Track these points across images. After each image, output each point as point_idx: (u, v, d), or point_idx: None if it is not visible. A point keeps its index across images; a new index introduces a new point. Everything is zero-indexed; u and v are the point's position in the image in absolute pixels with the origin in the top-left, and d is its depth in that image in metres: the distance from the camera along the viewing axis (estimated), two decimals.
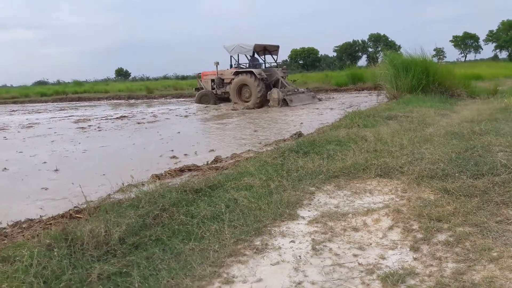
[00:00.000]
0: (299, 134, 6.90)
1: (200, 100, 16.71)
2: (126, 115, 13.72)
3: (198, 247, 2.28)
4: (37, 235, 2.72)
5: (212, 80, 16.46)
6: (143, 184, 4.06)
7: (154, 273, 2.03)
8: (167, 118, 12.76)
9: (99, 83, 39.69)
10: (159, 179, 4.43)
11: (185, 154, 6.34)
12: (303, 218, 2.78)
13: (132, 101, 23.34)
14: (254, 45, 15.26)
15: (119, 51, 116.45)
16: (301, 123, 9.49)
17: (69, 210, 3.39)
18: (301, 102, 14.74)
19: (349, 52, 65.73)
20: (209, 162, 5.42)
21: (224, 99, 16.33)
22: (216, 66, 16.08)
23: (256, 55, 16.48)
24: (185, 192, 3.28)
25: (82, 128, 10.57)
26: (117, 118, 12.78)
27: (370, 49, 67.33)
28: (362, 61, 63.39)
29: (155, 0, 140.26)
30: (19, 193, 4.71)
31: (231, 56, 16.05)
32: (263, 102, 14.61)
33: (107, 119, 12.67)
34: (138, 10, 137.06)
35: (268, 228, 2.57)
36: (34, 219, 3.52)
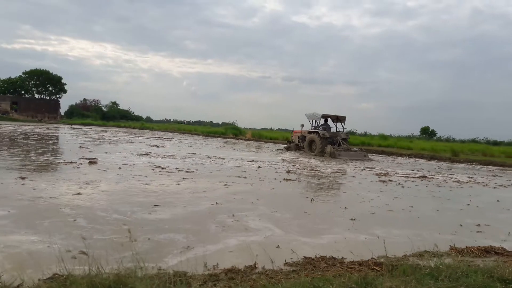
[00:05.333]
0: None
1: (287, 149, 23.79)
2: (426, 175, 13.43)
3: None
4: (341, 275, 3.13)
5: (298, 136, 23.59)
6: (441, 255, 3.92)
7: None
8: (477, 183, 12.10)
9: (403, 139, 40.36)
10: (459, 253, 4.13)
11: (492, 233, 5.61)
12: None
13: (434, 162, 22.44)
14: (321, 114, 22.14)
15: (427, 109, 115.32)
16: None
17: (368, 260, 3.67)
18: (348, 157, 19.45)
19: None
20: None
21: (301, 148, 23.05)
22: (301, 127, 23.45)
23: (330, 122, 22.77)
24: (491, 277, 2.96)
25: (383, 181, 11.11)
26: (417, 177, 12.70)
27: None
28: None
29: (474, 58, 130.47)
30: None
31: (309, 120, 22.92)
32: (323, 154, 20.20)
33: (407, 176, 12.80)
34: (451, 69, 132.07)
35: None
36: (336, 258, 4.02)
